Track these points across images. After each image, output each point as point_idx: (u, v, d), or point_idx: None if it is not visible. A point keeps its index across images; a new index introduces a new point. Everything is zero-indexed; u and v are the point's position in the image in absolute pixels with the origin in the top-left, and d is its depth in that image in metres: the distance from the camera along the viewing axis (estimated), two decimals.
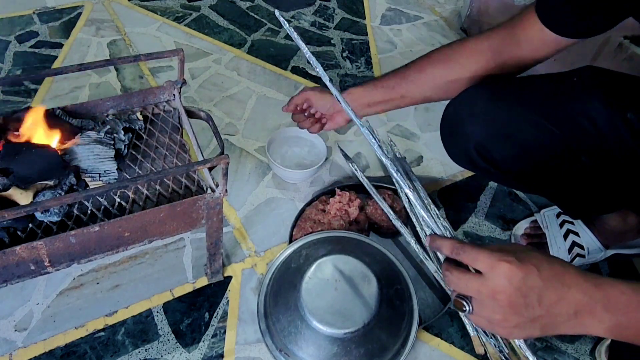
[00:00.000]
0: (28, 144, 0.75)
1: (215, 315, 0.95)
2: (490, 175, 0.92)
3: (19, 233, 0.71)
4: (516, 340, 0.55)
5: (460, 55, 0.84)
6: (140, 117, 0.90)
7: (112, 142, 0.82)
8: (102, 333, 0.90)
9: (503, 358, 0.88)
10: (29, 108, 0.82)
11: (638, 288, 0.49)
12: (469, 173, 1.27)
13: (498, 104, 0.78)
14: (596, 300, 0.49)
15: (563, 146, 0.76)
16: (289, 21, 1.71)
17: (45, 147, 0.76)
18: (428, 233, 0.58)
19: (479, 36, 0.83)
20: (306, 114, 1.06)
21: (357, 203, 1.05)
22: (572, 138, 0.75)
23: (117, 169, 0.81)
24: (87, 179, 0.77)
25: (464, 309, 0.51)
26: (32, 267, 0.71)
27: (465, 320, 0.94)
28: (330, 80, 0.72)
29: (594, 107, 0.73)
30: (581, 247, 1.02)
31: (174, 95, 0.94)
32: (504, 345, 0.89)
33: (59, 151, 0.77)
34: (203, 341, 0.91)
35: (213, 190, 0.79)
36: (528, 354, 0.56)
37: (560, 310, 0.49)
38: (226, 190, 0.79)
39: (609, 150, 0.74)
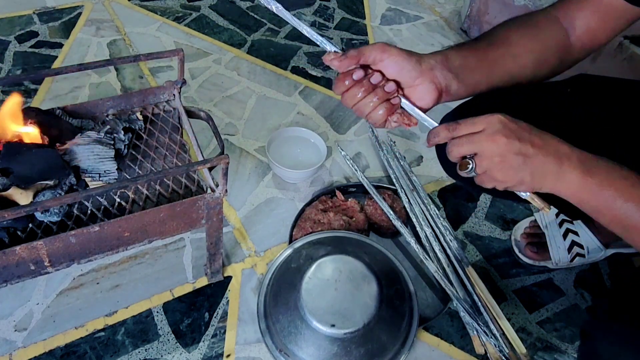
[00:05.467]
0: (28, 144, 0.75)
1: (215, 315, 0.95)
2: (487, 191, 0.91)
3: (19, 233, 0.71)
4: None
5: (543, 24, 0.74)
6: (140, 117, 0.90)
7: (112, 142, 0.82)
8: (102, 333, 0.90)
9: (503, 358, 0.88)
10: (28, 108, 0.82)
11: (615, 167, 0.56)
12: None
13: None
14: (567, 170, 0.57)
15: None
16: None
17: (45, 147, 0.76)
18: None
19: (549, 8, 0.75)
20: (364, 84, 0.61)
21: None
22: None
23: (117, 169, 0.81)
24: (87, 179, 0.77)
25: (469, 165, 0.59)
26: (32, 267, 0.71)
27: (466, 320, 0.94)
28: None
29: (589, 114, 0.73)
30: (580, 246, 1.02)
31: (174, 95, 0.94)
32: (504, 345, 0.89)
33: (58, 151, 0.77)
34: (203, 341, 0.91)
35: (213, 190, 0.79)
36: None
37: (545, 157, 0.57)
38: (226, 190, 0.79)
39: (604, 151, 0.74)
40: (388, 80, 0.62)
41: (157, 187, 0.82)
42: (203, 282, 0.99)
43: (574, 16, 0.71)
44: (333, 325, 0.84)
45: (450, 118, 0.75)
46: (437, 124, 0.62)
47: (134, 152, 0.87)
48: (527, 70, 0.71)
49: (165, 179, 0.83)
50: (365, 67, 0.62)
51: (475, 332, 0.92)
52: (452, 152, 0.60)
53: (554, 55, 0.72)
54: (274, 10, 0.60)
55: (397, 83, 0.62)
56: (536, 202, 0.61)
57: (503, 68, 0.69)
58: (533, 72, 0.72)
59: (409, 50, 0.62)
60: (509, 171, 0.57)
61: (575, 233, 1.03)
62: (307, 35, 0.62)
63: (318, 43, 0.62)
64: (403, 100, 0.63)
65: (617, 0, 0.68)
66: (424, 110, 0.65)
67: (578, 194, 0.58)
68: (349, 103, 0.62)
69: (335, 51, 0.61)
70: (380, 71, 0.61)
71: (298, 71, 1.51)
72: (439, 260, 1.01)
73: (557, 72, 0.74)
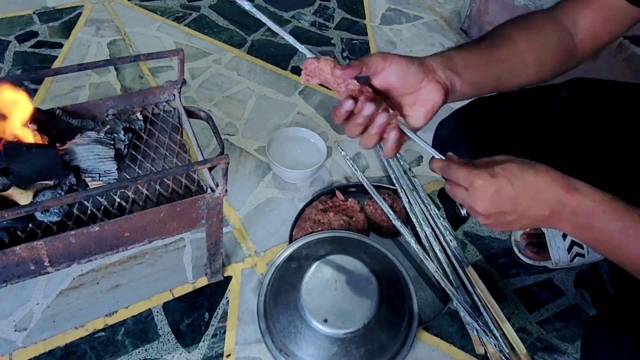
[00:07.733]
0: (28, 144, 0.75)
1: (215, 315, 0.95)
2: None
3: (19, 233, 0.71)
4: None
5: (543, 25, 0.73)
6: (140, 117, 0.90)
7: (112, 142, 0.82)
8: (102, 333, 0.90)
9: (503, 358, 0.88)
10: None
11: (609, 198, 0.55)
12: None
13: (487, 123, 0.78)
14: (566, 205, 0.56)
15: (556, 158, 0.77)
16: (288, 21, 1.71)
17: (45, 147, 0.76)
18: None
19: (550, 9, 0.74)
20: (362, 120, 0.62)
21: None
22: (565, 148, 0.76)
23: (117, 169, 0.81)
24: (87, 179, 0.77)
25: (461, 211, 0.62)
26: (32, 267, 0.71)
27: (466, 320, 0.94)
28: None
29: (590, 113, 0.73)
30: (580, 246, 1.02)
31: (174, 95, 0.94)
32: (504, 345, 0.89)
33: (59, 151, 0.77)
34: (203, 341, 0.91)
35: (213, 190, 0.79)
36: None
37: (534, 214, 0.57)
38: (226, 190, 0.79)
39: (602, 154, 0.75)
40: (382, 109, 0.61)
41: (157, 187, 0.82)
42: (203, 282, 0.99)
43: (576, 17, 0.70)
44: (326, 321, 0.84)
45: (447, 124, 0.76)
46: (434, 152, 0.62)
47: (134, 152, 0.87)
48: (531, 69, 0.70)
49: (165, 179, 0.83)
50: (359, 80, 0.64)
51: (475, 332, 0.92)
52: (448, 192, 0.62)
53: (556, 55, 0.71)
54: (246, 8, 0.61)
55: (389, 97, 0.63)
56: None
57: (508, 66, 0.69)
58: (536, 72, 0.71)
59: (409, 55, 0.62)
60: (494, 227, 0.60)
61: None
62: (289, 40, 0.66)
63: (298, 48, 0.66)
64: (403, 127, 0.62)
65: (619, 1, 0.68)
66: (435, 110, 0.64)
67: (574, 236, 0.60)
68: (352, 135, 0.64)
69: (315, 57, 0.64)
70: (373, 89, 0.62)
71: (298, 71, 1.51)
72: (439, 260, 1.01)
73: (560, 72, 0.73)
